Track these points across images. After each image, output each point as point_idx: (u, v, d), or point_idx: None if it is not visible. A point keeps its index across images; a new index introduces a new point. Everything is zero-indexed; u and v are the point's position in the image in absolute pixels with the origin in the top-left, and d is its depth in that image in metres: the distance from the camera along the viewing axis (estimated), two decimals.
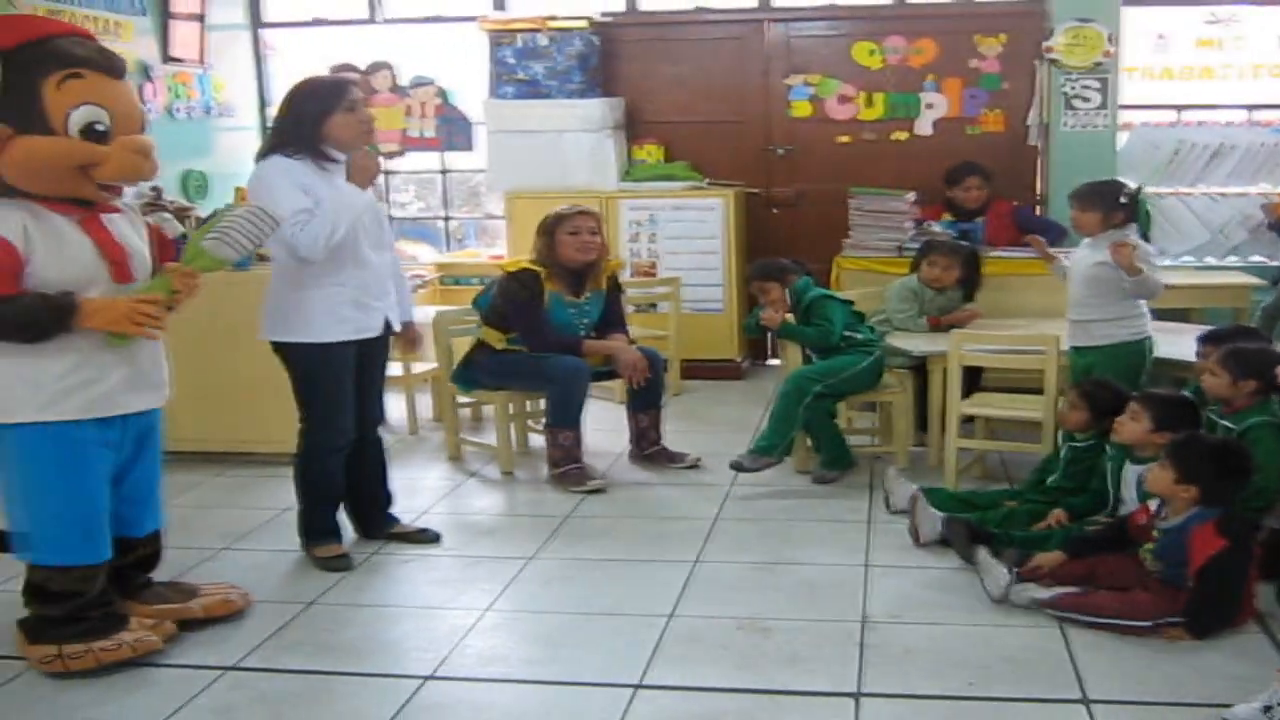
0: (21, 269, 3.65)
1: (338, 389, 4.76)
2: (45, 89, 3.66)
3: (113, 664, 3.85)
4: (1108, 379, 5.11)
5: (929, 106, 8.35)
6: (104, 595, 3.97)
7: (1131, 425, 4.56)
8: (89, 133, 3.71)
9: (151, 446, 4.16)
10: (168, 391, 4.16)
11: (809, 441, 5.95)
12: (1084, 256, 5.48)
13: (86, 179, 3.75)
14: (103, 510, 3.93)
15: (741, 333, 8.27)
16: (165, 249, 4.20)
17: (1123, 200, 5.40)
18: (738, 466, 5.76)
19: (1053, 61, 7.76)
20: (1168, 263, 7.93)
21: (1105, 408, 4.82)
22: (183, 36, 8.28)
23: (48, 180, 3.70)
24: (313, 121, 4.61)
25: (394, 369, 6.27)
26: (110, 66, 3.81)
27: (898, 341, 6.06)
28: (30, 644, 3.92)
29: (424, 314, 6.68)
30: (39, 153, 3.66)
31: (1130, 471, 4.58)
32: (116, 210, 3.93)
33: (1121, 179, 5.76)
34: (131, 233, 3.97)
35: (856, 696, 3.64)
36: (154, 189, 6.73)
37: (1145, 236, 5.54)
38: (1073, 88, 7.78)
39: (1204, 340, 5.03)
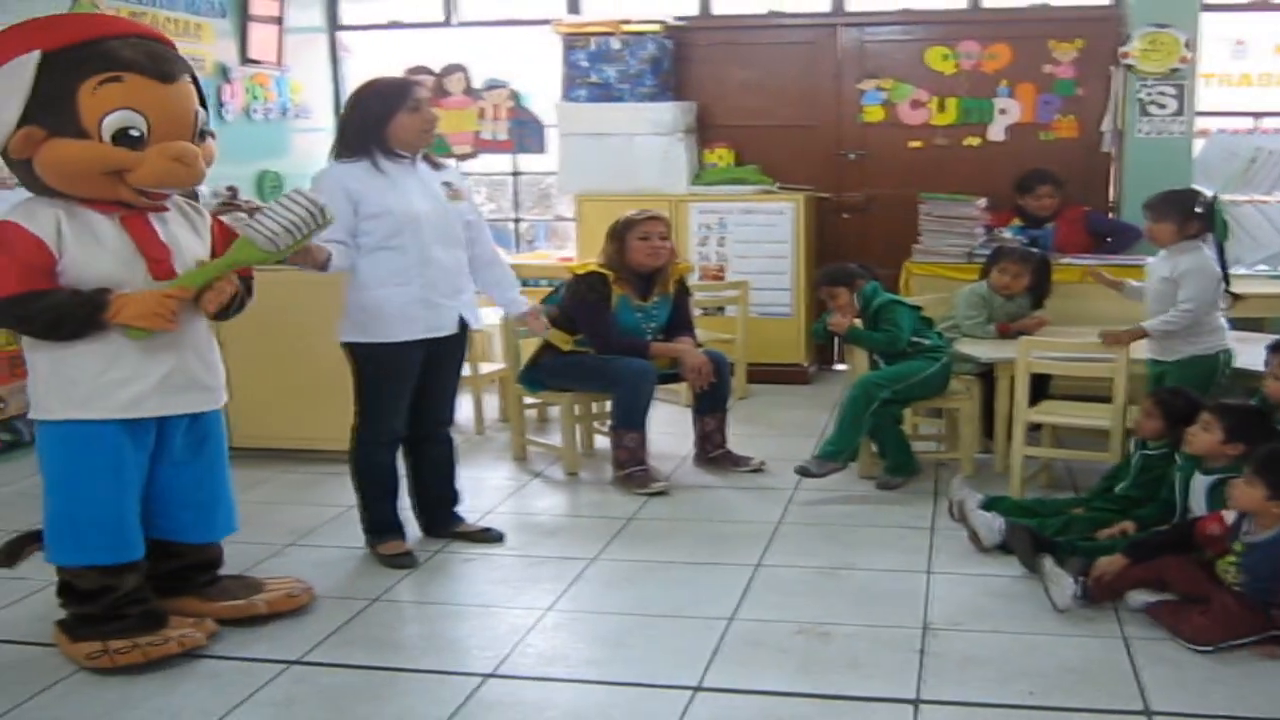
0: (53, 266, 3.69)
1: (396, 388, 4.80)
2: (81, 93, 3.67)
3: (159, 659, 3.89)
4: (1183, 387, 5.05)
5: (1002, 112, 8.29)
6: (140, 592, 4.00)
7: (1203, 436, 4.50)
8: (122, 138, 3.71)
9: (210, 451, 4.16)
10: (222, 395, 4.16)
11: (874, 447, 5.92)
12: (1156, 268, 5.42)
13: (121, 183, 3.76)
14: (129, 511, 3.93)
15: (808, 337, 8.26)
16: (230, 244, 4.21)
17: (1198, 210, 5.33)
18: (803, 471, 5.74)
19: (1128, 67, 7.67)
20: (1242, 271, 7.84)
21: (1180, 416, 4.74)
22: (261, 39, 8.39)
23: (79, 183, 3.74)
24: (377, 121, 4.67)
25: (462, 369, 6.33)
26: (159, 71, 3.78)
27: (965, 348, 6.02)
28: (72, 642, 3.96)
29: (493, 315, 6.76)
30: (69, 157, 3.70)
31: (1199, 482, 4.52)
32: (164, 209, 3.94)
33: (1196, 187, 5.67)
34: (184, 230, 3.98)
35: (915, 703, 3.62)
36: (230, 188, 6.84)
37: (1221, 247, 5.44)
38: (1148, 94, 7.68)
39: (1273, 349, 4.96)
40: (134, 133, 3.72)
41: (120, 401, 3.83)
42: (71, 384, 3.79)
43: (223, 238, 4.14)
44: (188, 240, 3.98)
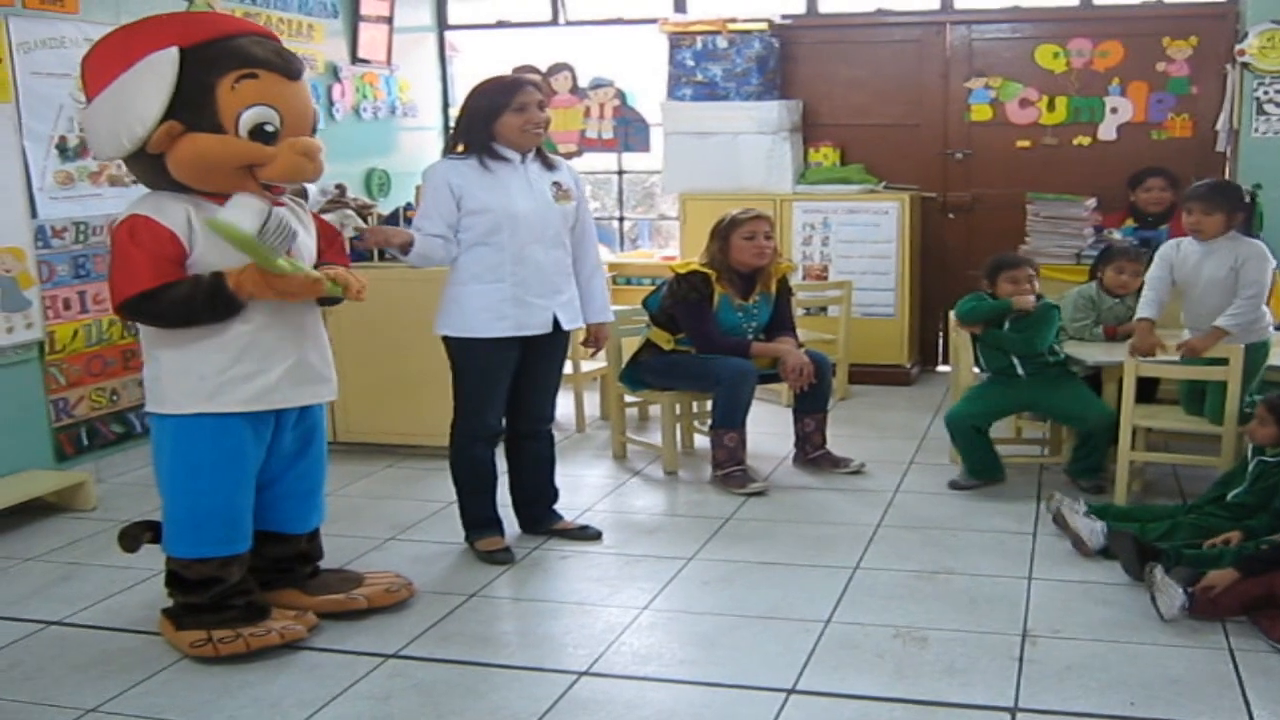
0: (184, 258, 3.78)
1: (489, 384, 4.85)
2: (220, 88, 3.75)
3: (261, 649, 3.96)
4: None
5: (1113, 111, 8.15)
6: (244, 584, 4.08)
7: None
8: (258, 133, 3.80)
9: (316, 443, 4.27)
10: (335, 387, 4.25)
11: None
12: (1204, 263, 5.37)
13: (250, 178, 3.85)
14: (245, 504, 4.03)
15: (911, 335, 8.22)
16: (334, 243, 4.29)
17: (1249, 201, 5.30)
18: (954, 485, 5.81)
19: (1245, 65, 7.49)
20: None
21: None
22: (370, 38, 8.49)
23: (213, 177, 3.81)
24: (484, 120, 4.73)
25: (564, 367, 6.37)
26: (287, 68, 3.89)
27: (1072, 350, 5.92)
28: (177, 631, 4.05)
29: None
30: (208, 151, 3.77)
31: None
32: (281, 205, 4.00)
33: (1235, 182, 5.60)
34: (297, 225, 4.03)
35: (1013, 711, 3.58)
36: (338, 186, 6.91)
37: (1256, 237, 5.40)
38: (1265, 92, 7.49)
39: None
40: (269, 128, 3.83)
41: (246, 395, 3.92)
42: (199, 378, 3.87)
43: (325, 234, 4.24)
44: (300, 236, 4.05)
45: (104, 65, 3.81)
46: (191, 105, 3.74)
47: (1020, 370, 5.78)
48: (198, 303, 3.77)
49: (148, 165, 3.86)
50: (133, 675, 3.90)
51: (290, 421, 4.11)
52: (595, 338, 5.27)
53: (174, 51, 3.73)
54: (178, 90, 3.72)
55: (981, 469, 5.81)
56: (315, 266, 4.09)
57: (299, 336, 4.04)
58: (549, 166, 4.94)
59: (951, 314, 6.14)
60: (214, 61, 3.77)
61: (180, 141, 3.76)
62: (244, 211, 3.75)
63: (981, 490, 5.75)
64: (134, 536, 4.18)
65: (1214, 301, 5.33)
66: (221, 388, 3.88)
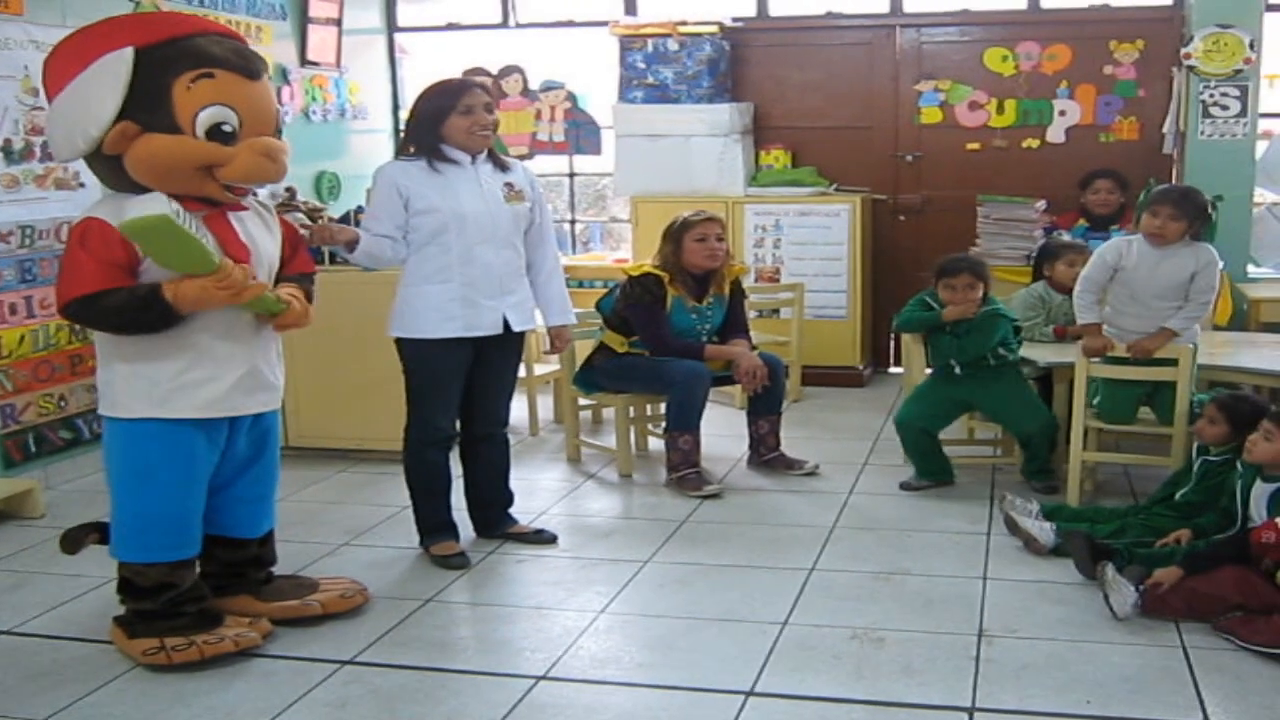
0: (135, 264, 3.72)
1: (439, 386, 4.83)
2: (176, 88, 3.70)
3: (215, 656, 3.92)
4: (1247, 393, 4.99)
5: (1061, 114, 8.23)
6: (197, 590, 4.05)
7: (1265, 444, 4.42)
8: (215, 133, 3.75)
9: (270, 449, 4.23)
10: (280, 396, 4.21)
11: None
12: (1160, 266, 5.37)
13: (210, 179, 3.79)
14: (195, 509, 3.99)
15: (864, 336, 8.28)
16: (299, 250, 4.25)
17: (1211, 210, 5.38)
18: (905, 486, 5.85)
19: (1191, 68, 7.56)
20: None
21: (1244, 421, 4.67)
22: (319, 40, 8.43)
23: (171, 179, 3.74)
24: (431, 122, 4.73)
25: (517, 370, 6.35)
26: (247, 67, 3.84)
27: (1023, 351, 5.95)
28: (129, 639, 4.00)
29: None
30: (163, 152, 3.72)
31: (1260, 490, 4.45)
32: (244, 208, 3.98)
33: (1198, 190, 5.62)
34: (261, 231, 4.01)
35: (970, 711, 3.59)
36: (288, 189, 6.86)
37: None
38: (1211, 95, 7.57)
39: None
40: (226, 128, 3.77)
41: (199, 401, 3.88)
42: (152, 384, 3.83)
43: (289, 236, 4.21)
44: (263, 239, 4.02)
45: (62, 67, 3.77)
46: (147, 105, 3.69)
47: (957, 369, 5.82)
48: (130, 312, 3.70)
49: (109, 167, 3.81)
50: (85, 684, 3.85)
51: (244, 427, 4.07)
52: (557, 340, 5.26)
53: (129, 51, 3.68)
54: (133, 90, 3.67)
55: (931, 470, 5.85)
56: (277, 277, 4.07)
57: (252, 346, 3.99)
58: (502, 168, 4.93)
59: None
60: (170, 61, 3.72)
61: (137, 142, 3.71)
62: (151, 204, 3.66)
63: (935, 491, 5.78)
64: (75, 539, 4.13)
65: (1165, 304, 5.36)
66: (173, 393, 3.84)
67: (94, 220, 3.73)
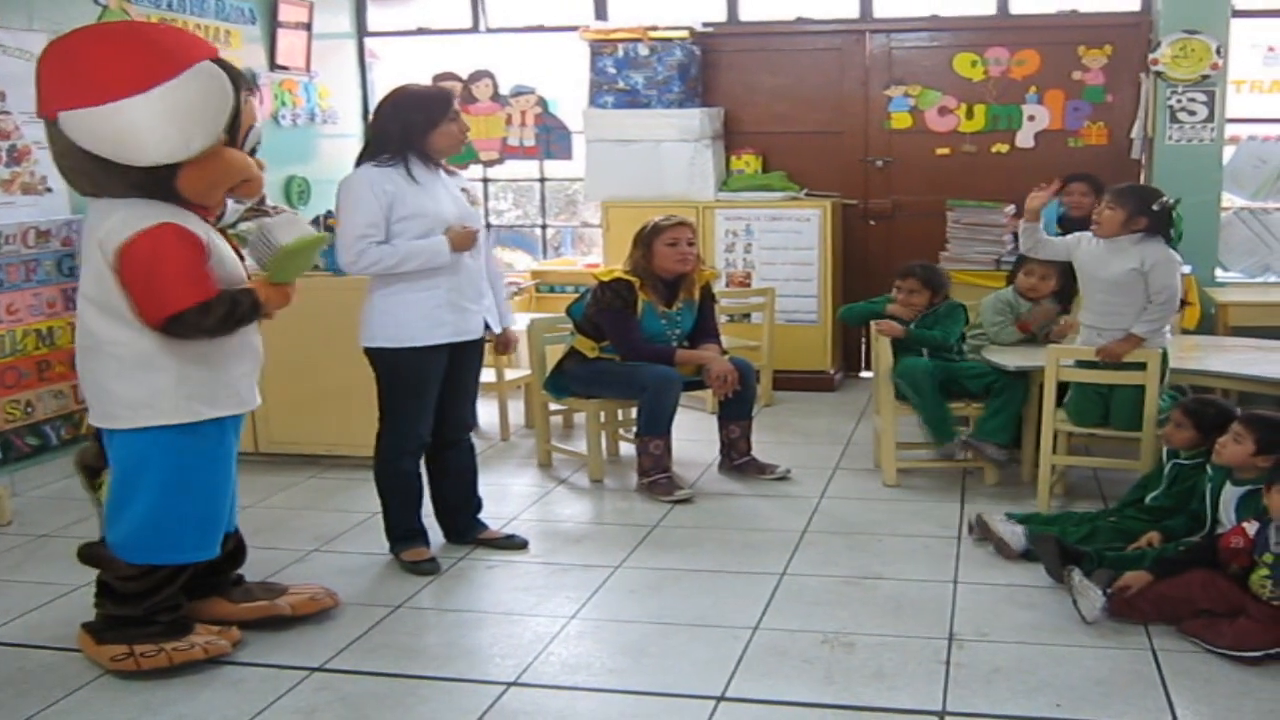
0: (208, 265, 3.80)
1: (422, 393, 4.82)
2: (243, 105, 3.82)
3: (184, 664, 3.90)
4: (1214, 397, 5.01)
5: (1030, 119, 8.26)
6: (175, 599, 4.02)
7: (1234, 447, 4.45)
8: (249, 151, 3.89)
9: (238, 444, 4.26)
10: None
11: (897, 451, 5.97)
12: (1107, 261, 5.41)
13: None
14: (225, 507, 4.06)
15: (834, 341, 8.28)
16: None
17: (1155, 208, 5.35)
18: (946, 455, 5.99)
19: (1158, 74, 7.61)
20: (1272, 279, 7.81)
21: (1212, 425, 4.70)
22: (289, 45, 8.40)
23: (218, 191, 3.84)
24: (421, 129, 4.70)
25: (487, 375, 6.32)
26: (251, 87, 4.00)
27: (994, 356, 5.98)
28: (98, 645, 3.97)
29: (518, 321, 6.76)
30: (235, 164, 3.81)
31: (1229, 493, 4.47)
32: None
33: (1159, 190, 5.65)
34: (217, 236, 4.04)
35: (942, 715, 3.60)
36: None
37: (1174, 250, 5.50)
38: (1178, 100, 7.62)
39: None
40: (255, 147, 3.95)
41: (234, 399, 3.97)
42: (197, 385, 3.85)
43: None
44: (222, 242, 4.07)
45: (132, 65, 3.64)
46: (230, 120, 3.78)
47: (925, 353, 5.99)
48: (233, 321, 3.80)
49: (113, 172, 3.71)
50: (52, 693, 3.82)
51: (241, 421, 4.15)
52: (507, 343, 5.26)
53: (213, 65, 3.75)
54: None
55: (950, 431, 5.95)
56: None
57: (255, 340, 4.11)
58: (451, 174, 4.98)
59: (872, 324, 6.20)
60: (236, 79, 3.82)
61: (213, 153, 3.74)
62: (290, 227, 3.93)
63: (906, 496, 5.79)
64: (93, 555, 4.08)
65: (1114, 300, 5.38)
66: (215, 393, 3.90)
67: (169, 226, 3.69)
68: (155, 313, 3.72)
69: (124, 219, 3.70)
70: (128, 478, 3.91)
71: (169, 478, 3.87)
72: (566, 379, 6.20)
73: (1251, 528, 4.07)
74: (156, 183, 3.73)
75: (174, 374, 3.82)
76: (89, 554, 4.04)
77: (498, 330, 5.09)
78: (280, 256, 3.86)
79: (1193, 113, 7.63)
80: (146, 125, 3.65)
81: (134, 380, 3.82)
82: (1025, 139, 8.29)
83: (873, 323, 6.00)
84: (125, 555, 3.94)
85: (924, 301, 6.02)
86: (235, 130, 3.79)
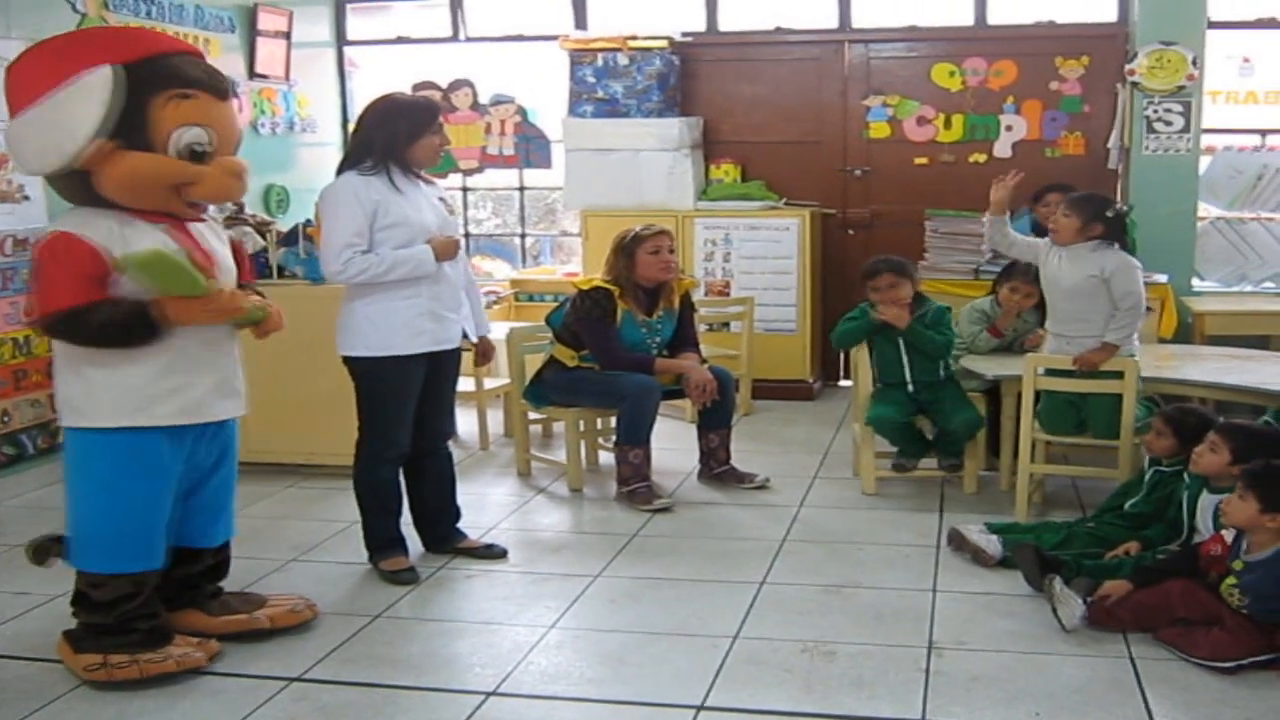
0: (108, 275, 3.71)
1: (402, 402, 4.81)
2: (153, 107, 3.73)
3: (156, 675, 3.88)
4: (1195, 406, 5.03)
5: (1008, 129, 8.30)
6: (150, 606, 4.00)
7: (1211, 457, 4.47)
8: (188, 153, 3.79)
9: (230, 457, 4.23)
10: (246, 401, 4.22)
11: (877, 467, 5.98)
12: (1066, 269, 5.45)
13: (177, 196, 3.83)
14: (163, 521, 3.97)
15: (813, 350, 8.29)
16: (243, 263, 4.26)
17: (1109, 215, 5.40)
18: (899, 467, 6.13)
19: (1135, 84, 7.65)
20: (1249, 288, 7.85)
21: (1191, 433, 4.72)
22: (268, 53, 8.39)
23: (144, 196, 3.78)
24: (404, 140, 4.69)
25: (466, 384, 6.32)
26: (218, 88, 3.90)
27: (971, 364, 6.00)
28: (75, 653, 3.96)
29: (498, 330, 6.76)
30: (141, 169, 3.74)
31: (1206, 502, 4.49)
32: (201, 220, 4.03)
33: (1110, 198, 5.70)
34: (215, 240, 4.06)
35: None
36: (236, 202, 6.82)
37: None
38: (1155, 111, 7.66)
39: None
40: (199, 148, 3.81)
41: (173, 409, 3.88)
42: (126, 391, 3.81)
43: (239, 257, 4.24)
44: (219, 248, 4.06)
45: (34, 79, 3.74)
46: (124, 123, 3.71)
47: (910, 384, 5.92)
48: (115, 328, 3.72)
49: (74, 182, 3.79)
50: (29, 703, 3.80)
51: (208, 435, 4.07)
52: (485, 352, 5.25)
53: (108, 70, 3.68)
54: (110, 108, 3.68)
55: (917, 450, 6.06)
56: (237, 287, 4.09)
57: (221, 349, 4.03)
58: (429, 184, 4.96)
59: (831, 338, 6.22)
60: (148, 80, 3.74)
61: (111, 159, 3.71)
62: (141, 238, 3.76)
63: (885, 505, 5.80)
64: (41, 550, 4.05)
65: (1077, 307, 5.43)
66: (148, 402, 3.83)
67: (61, 234, 3.73)
68: (36, 314, 3.78)
69: (50, 225, 3.78)
70: (68, 477, 3.95)
71: (98, 483, 3.87)
72: (546, 388, 6.19)
73: (1230, 535, 4.10)
74: (89, 191, 3.76)
75: (100, 378, 3.80)
76: (37, 548, 4.03)
77: (474, 339, 5.09)
78: (131, 268, 3.73)
79: (1169, 123, 7.66)
80: (21, 140, 3.79)
81: (66, 381, 3.89)
82: (1003, 149, 8.32)
83: (880, 309, 5.87)
84: (69, 559, 3.95)
85: (908, 294, 5.91)
86: (135, 132, 3.71)
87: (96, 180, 3.75)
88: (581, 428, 6.33)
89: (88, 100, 3.67)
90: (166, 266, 3.71)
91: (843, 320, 6.07)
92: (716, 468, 6.21)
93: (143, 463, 3.87)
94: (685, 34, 8.62)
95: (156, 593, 4.05)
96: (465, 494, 5.33)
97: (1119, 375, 5.32)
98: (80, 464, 3.91)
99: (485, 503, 5.94)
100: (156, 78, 3.75)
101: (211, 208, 4.31)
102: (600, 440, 6.65)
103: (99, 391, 3.82)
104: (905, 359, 5.91)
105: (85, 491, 3.91)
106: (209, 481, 4.16)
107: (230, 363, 4.09)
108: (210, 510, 4.20)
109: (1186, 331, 7.30)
